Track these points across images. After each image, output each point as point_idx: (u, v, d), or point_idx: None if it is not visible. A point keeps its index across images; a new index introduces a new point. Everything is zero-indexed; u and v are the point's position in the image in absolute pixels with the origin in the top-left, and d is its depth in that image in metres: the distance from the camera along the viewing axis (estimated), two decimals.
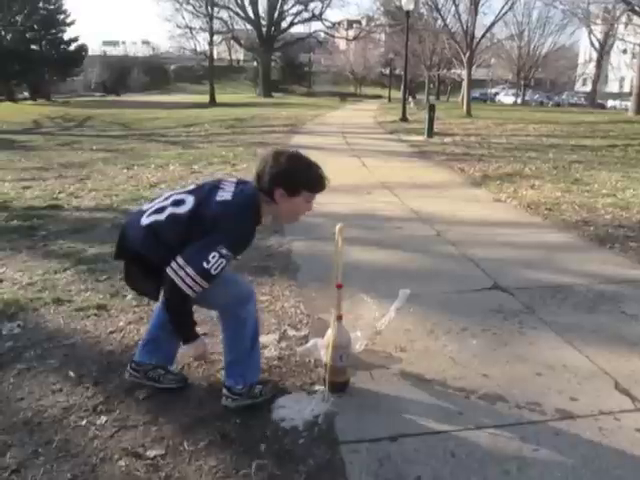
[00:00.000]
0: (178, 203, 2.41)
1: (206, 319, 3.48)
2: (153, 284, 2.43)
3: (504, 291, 4.10)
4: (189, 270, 2.24)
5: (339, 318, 2.72)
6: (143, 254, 2.41)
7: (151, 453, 2.31)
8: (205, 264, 2.23)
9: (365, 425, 2.51)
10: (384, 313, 3.22)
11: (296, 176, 2.40)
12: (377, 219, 6.34)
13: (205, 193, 2.43)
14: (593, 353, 3.15)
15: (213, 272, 2.25)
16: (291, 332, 3.41)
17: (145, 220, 2.43)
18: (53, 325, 3.48)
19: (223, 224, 2.29)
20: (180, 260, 2.26)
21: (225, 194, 2.39)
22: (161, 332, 2.71)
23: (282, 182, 2.38)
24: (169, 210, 2.41)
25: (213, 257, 2.23)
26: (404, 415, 2.58)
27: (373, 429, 2.47)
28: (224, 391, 2.61)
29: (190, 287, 2.26)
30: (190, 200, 2.40)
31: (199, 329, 3.32)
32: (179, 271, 2.25)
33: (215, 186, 2.46)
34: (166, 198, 2.49)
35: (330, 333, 2.73)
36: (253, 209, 2.40)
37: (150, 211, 2.46)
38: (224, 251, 2.25)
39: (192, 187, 2.55)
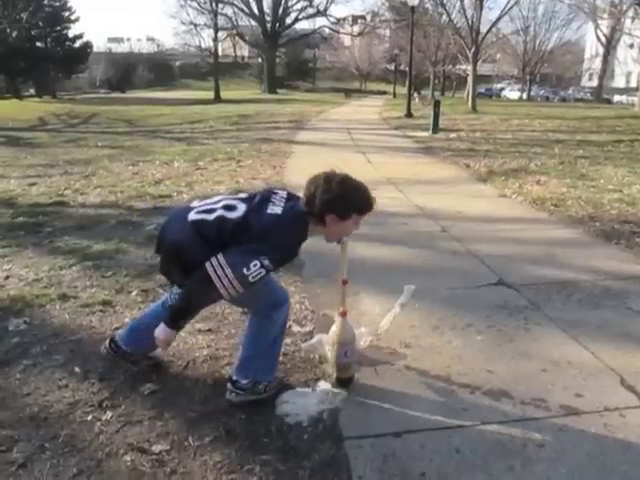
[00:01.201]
0: (229, 208, 2.43)
1: (210, 316, 3.49)
2: (186, 279, 2.40)
3: (509, 287, 4.09)
4: (228, 271, 2.23)
5: (344, 314, 2.72)
6: (182, 247, 2.42)
7: (156, 448, 2.32)
8: (245, 270, 2.23)
9: (370, 421, 2.51)
10: (389, 309, 3.22)
11: (348, 201, 2.40)
12: (382, 215, 6.30)
13: (256, 203, 2.44)
14: (598, 349, 3.15)
15: (251, 280, 2.25)
16: (296, 328, 3.41)
17: (192, 216, 2.45)
18: (59, 321, 3.50)
19: (270, 237, 2.29)
20: (222, 259, 2.26)
21: (276, 208, 2.39)
22: (154, 323, 2.73)
23: (334, 208, 2.38)
24: (219, 212, 2.42)
25: (254, 265, 2.23)
26: (409, 411, 2.58)
27: (378, 425, 2.48)
28: (229, 385, 2.62)
29: (225, 287, 2.25)
30: (242, 207, 2.42)
31: (204, 325, 3.37)
32: (218, 269, 2.24)
33: (266, 198, 2.46)
34: (217, 201, 2.51)
35: (334, 329, 2.73)
36: (301, 227, 2.40)
37: (199, 209, 2.48)
38: (266, 262, 2.25)
39: (244, 195, 2.56)
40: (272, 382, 2.69)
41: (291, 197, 2.51)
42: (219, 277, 2.24)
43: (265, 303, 2.58)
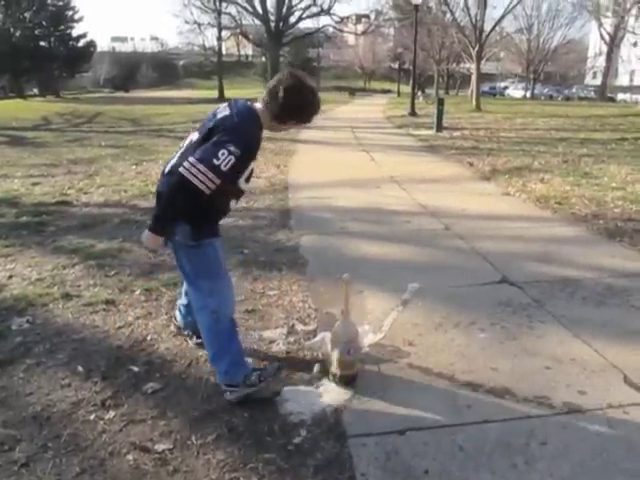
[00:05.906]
0: (186, 140, 2.62)
1: None
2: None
3: (512, 285, 4.08)
4: (200, 167, 2.33)
5: (346, 312, 2.72)
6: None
7: (159, 447, 2.32)
8: (215, 160, 2.33)
9: (373, 419, 2.51)
10: (392, 307, 3.22)
11: (293, 111, 2.55)
12: (385, 213, 6.32)
13: (205, 121, 2.59)
14: (602, 347, 3.14)
15: (223, 168, 2.34)
16: (299, 326, 3.41)
17: (165, 170, 2.61)
18: (62, 320, 3.50)
19: (228, 127, 2.42)
20: (191, 159, 2.35)
21: (224, 111, 2.53)
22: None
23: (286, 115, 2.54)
24: (180, 150, 2.59)
25: (222, 154, 2.34)
26: (412, 409, 2.58)
27: (381, 423, 2.47)
28: (222, 386, 2.64)
29: (202, 182, 2.33)
30: (195, 134, 2.58)
31: None
32: (191, 169, 2.33)
33: (212, 114, 2.59)
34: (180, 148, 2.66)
35: (337, 327, 2.73)
36: (252, 112, 2.53)
37: (168, 161, 2.65)
38: (232, 148, 2.35)
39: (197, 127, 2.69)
40: (265, 370, 2.71)
41: (233, 101, 2.63)
42: (194, 175, 2.33)
43: (203, 283, 2.62)
